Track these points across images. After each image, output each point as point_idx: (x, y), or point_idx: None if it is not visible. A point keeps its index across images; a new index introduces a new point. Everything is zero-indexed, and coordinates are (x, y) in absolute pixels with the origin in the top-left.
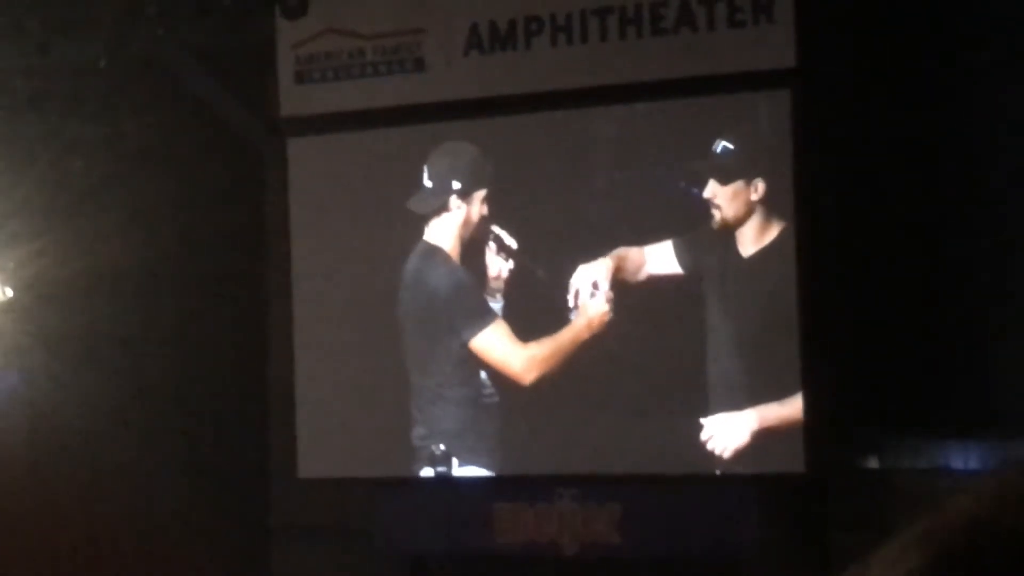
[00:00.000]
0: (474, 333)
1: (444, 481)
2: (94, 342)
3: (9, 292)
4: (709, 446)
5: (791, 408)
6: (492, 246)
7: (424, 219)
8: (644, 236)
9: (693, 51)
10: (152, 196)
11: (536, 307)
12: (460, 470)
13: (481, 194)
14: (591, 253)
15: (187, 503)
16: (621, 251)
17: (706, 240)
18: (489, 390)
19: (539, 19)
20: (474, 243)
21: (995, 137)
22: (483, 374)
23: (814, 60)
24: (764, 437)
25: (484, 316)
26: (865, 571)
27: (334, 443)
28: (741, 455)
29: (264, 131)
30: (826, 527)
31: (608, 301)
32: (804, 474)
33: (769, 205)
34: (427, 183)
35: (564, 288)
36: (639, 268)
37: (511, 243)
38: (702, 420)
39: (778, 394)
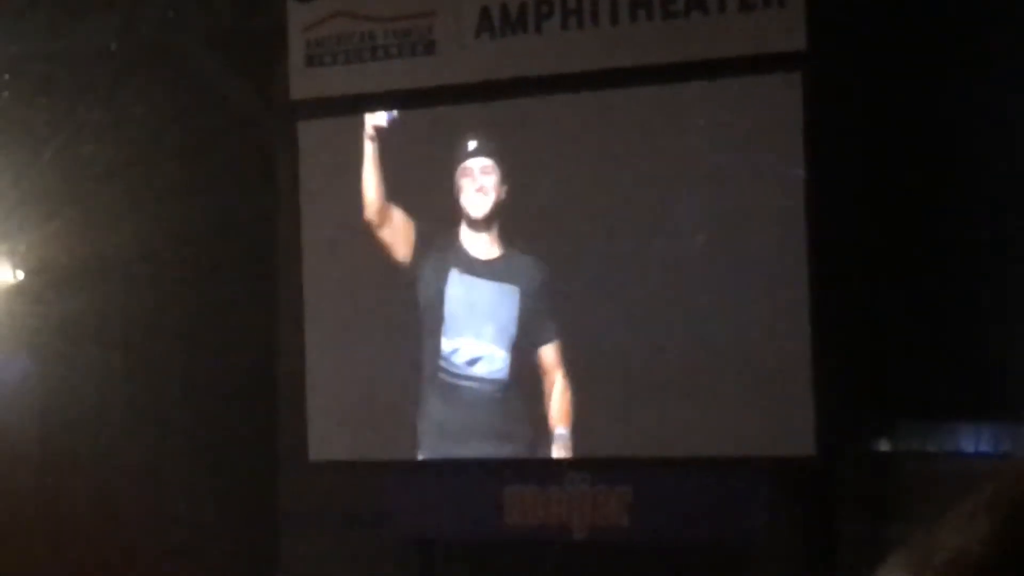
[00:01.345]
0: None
1: (454, 464)
2: (104, 325)
3: (20, 275)
4: (719, 429)
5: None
6: None
7: (431, 201)
8: (656, 221)
9: (704, 34)
10: (162, 180)
11: None
12: (470, 453)
13: None
14: (602, 235)
15: (197, 486)
16: None
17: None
18: (502, 375)
19: (550, 2)
20: None
21: (1010, 121)
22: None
23: (825, 43)
24: (774, 420)
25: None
26: (932, 540)
27: (345, 426)
28: (751, 438)
29: (274, 114)
30: (835, 510)
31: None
32: (814, 457)
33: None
34: None
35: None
36: None
37: None
38: (711, 403)
39: (787, 377)
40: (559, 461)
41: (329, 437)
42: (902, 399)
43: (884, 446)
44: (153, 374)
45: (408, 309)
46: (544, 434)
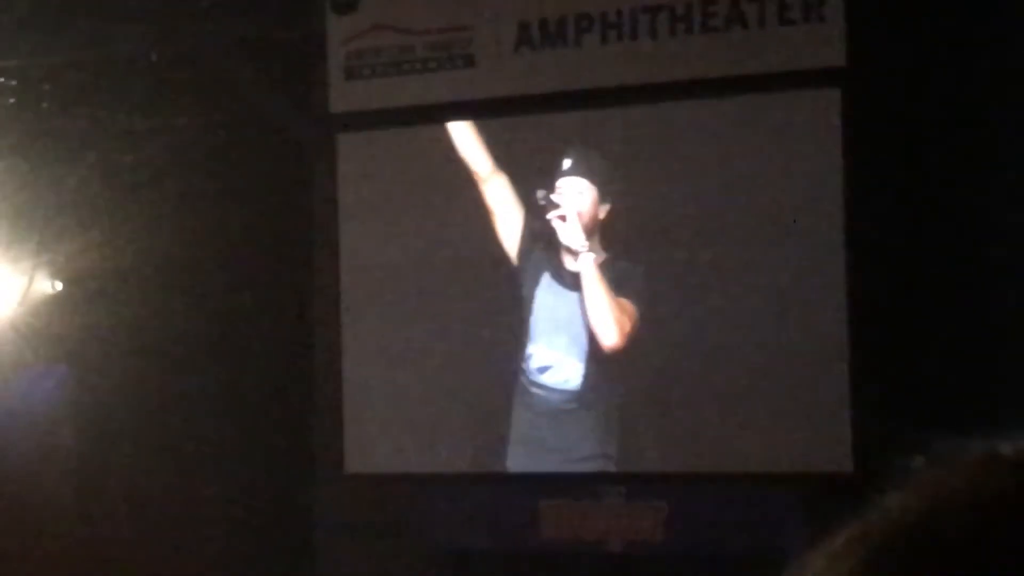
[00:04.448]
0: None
1: (490, 477)
2: (142, 336)
3: (59, 286)
4: (755, 444)
5: (838, 407)
6: None
7: (472, 215)
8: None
9: (743, 49)
10: (200, 190)
11: None
12: (507, 466)
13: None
14: (640, 251)
15: (232, 497)
16: None
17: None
18: (538, 388)
19: (589, 16)
20: None
21: None
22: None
23: (865, 59)
24: (811, 436)
25: None
26: (803, 572)
27: (381, 438)
28: (788, 454)
29: (313, 127)
30: None
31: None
32: (852, 474)
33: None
34: None
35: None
36: None
37: None
38: (749, 418)
39: (825, 393)
40: (595, 475)
41: (365, 448)
42: (940, 416)
43: (922, 463)
44: (189, 384)
45: (446, 320)
46: (582, 447)
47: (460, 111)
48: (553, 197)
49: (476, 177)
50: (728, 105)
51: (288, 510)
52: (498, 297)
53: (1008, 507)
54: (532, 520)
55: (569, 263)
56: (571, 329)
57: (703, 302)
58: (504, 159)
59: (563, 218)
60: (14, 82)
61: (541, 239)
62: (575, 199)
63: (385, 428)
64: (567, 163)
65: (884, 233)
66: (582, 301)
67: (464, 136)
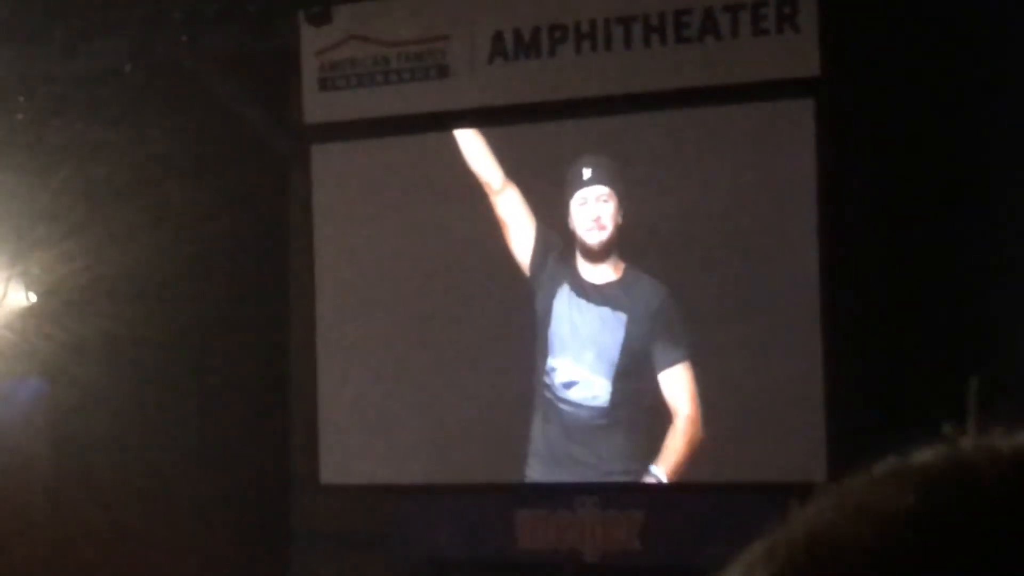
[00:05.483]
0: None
1: (466, 488)
2: (116, 347)
3: (33, 297)
4: (730, 454)
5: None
6: None
7: (447, 226)
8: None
9: (717, 59)
10: (175, 202)
11: None
12: (483, 476)
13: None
14: (620, 259)
15: (208, 508)
16: None
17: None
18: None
19: (563, 27)
20: None
21: (1022, 145)
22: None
23: (838, 69)
24: (785, 445)
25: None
26: None
27: (356, 449)
28: (762, 463)
29: (288, 137)
30: None
31: None
32: (826, 483)
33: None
34: None
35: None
36: None
37: None
38: (723, 428)
39: (799, 401)
40: (571, 485)
41: (341, 459)
42: (915, 424)
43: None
44: (165, 395)
45: (421, 329)
46: (556, 457)
47: (435, 122)
48: (582, 206)
49: (488, 189)
50: (701, 115)
51: (265, 521)
52: (475, 305)
53: (901, 522)
54: (508, 530)
55: (587, 274)
56: (598, 345)
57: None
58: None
59: (602, 226)
60: None
61: (554, 249)
62: (603, 207)
63: (361, 439)
64: (587, 172)
65: (858, 242)
66: (607, 315)
67: (469, 148)
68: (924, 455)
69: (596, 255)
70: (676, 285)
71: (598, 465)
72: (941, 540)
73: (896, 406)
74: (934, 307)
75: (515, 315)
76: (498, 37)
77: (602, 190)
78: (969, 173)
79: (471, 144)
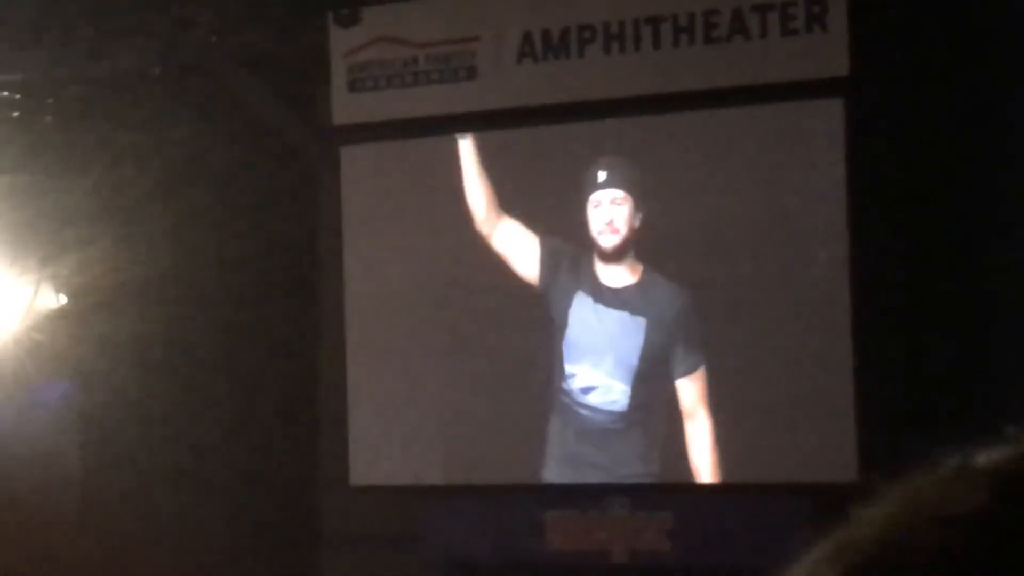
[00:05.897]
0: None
1: (496, 488)
2: (147, 349)
3: (63, 299)
4: (760, 454)
5: (843, 416)
6: None
7: (476, 230)
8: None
9: (746, 60)
10: (204, 203)
11: None
12: (511, 478)
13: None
14: (638, 261)
15: (238, 510)
16: None
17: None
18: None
19: (592, 27)
20: None
21: None
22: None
23: (867, 69)
24: (815, 445)
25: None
26: None
27: (386, 451)
28: (792, 464)
29: (316, 139)
30: None
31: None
32: (856, 483)
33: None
34: None
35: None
36: None
37: None
38: (753, 428)
39: (829, 401)
40: (600, 486)
41: (371, 461)
42: (947, 424)
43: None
44: (195, 397)
45: (452, 332)
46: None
47: (463, 123)
48: (596, 209)
49: (482, 229)
50: (730, 115)
51: (295, 523)
52: (505, 308)
53: (977, 523)
54: (537, 531)
55: (604, 276)
56: (617, 350)
57: (704, 312)
58: (510, 171)
59: (615, 230)
60: (17, 96)
61: (565, 256)
62: (616, 210)
63: (390, 441)
64: (602, 175)
65: (888, 243)
66: (625, 320)
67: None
68: (990, 455)
69: (610, 257)
70: (697, 288)
71: (614, 468)
72: (1018, 540)
73: (926, 407)
74: (965, 307)
75: (543, 318)
76: (527, 38)
77: (616, 193)
78: (1000, 172)
79: (469, 182)
